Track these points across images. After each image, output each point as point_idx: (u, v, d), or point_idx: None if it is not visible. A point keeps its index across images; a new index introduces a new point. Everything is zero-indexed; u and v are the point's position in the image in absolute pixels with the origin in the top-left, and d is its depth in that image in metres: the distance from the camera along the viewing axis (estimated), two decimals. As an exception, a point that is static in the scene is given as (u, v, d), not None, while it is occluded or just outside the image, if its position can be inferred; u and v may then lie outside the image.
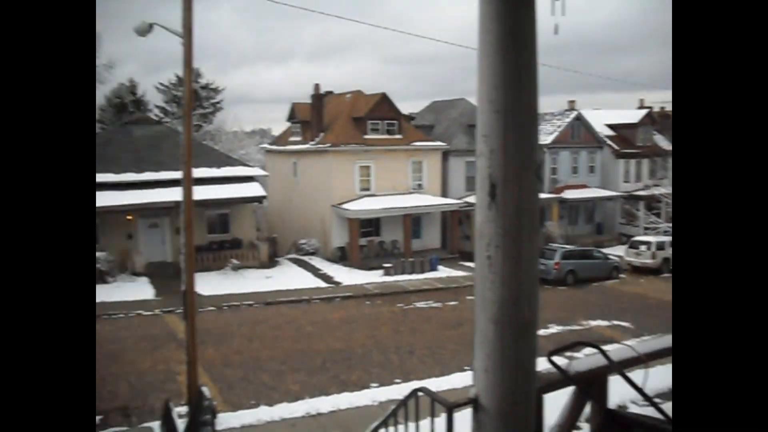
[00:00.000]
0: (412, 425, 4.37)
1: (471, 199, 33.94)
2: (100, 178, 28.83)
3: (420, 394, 4.20)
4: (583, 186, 43.30)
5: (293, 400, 14.00)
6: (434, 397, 3.70)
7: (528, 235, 2.90)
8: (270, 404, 13.74)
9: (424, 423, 4.27)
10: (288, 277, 28.99)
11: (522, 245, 2.89)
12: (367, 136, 34.51)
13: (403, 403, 4.73)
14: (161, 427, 11.74)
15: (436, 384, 13.64)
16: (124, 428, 12.90)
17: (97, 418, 13.35)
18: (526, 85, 2.84)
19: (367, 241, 33.76)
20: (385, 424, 5.56)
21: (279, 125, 68.23)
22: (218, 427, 11.09)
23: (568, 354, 3.98)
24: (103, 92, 53.10)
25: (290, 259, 33.47)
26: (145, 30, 13.25)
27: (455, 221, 36.01)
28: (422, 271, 31.06)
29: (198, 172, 10.96)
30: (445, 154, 37.29)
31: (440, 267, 32.12)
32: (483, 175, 2.89)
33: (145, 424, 13.03)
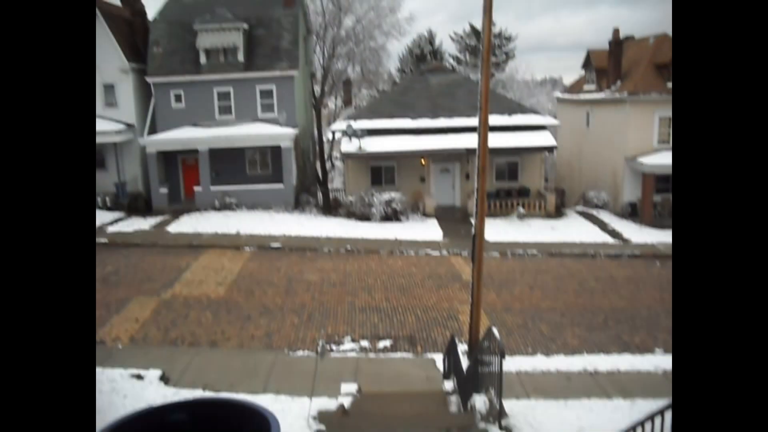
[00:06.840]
0: None
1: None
2: (399, 123, 30.98)
3: None
4: None
5: (570, 354, 13.86)
6: None
7: None
8: (547, 354, 13.78)
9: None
10: (574, 230, 28.30)
11: None
12: (670, 85, 31.54)
13: None
14: (444, 359, 12.49)
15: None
16: (411, 355, 14.03)
17: (386, 342, 14.68)
18: None
19: (661, 198, 31.33)
20: None
21: (571, 74, 65.81)
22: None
23: None
24: (404, 44, 56.70)
25: (577, 212, 32.60)
26: None
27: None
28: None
29: (490, 119, 11.13)
30: None
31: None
32: None
33: (429, 355, 14.02)
